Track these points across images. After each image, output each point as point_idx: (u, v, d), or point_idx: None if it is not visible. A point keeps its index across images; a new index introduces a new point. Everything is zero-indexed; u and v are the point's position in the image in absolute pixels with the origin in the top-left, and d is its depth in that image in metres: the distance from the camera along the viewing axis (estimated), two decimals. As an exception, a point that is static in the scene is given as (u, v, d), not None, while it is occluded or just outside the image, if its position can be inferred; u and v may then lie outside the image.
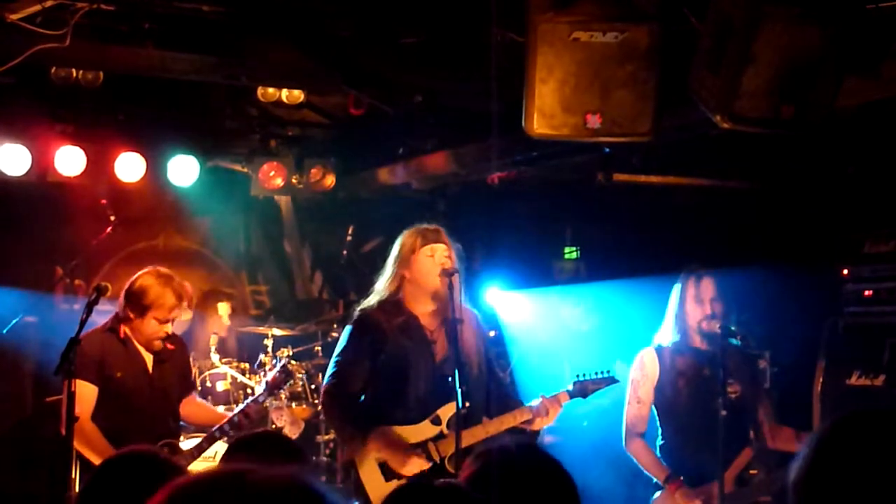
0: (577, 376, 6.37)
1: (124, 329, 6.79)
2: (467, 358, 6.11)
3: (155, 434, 6.63)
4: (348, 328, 6.35)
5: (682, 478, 6.39)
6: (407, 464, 5.99)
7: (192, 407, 7.28)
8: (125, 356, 6.78)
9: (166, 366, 6.95)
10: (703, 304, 6.49)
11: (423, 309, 6.29)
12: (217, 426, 6.93)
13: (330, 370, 6.29)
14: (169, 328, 6.82)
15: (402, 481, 5.95)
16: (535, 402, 6.22)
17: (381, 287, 6.33)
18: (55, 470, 6.68)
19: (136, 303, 6.69)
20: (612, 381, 6.43)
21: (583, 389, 6.34)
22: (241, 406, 7.15)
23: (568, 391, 6.30)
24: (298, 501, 1.59)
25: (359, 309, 6.39)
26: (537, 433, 6.44)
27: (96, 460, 6.40)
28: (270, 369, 9.17)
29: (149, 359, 6.86)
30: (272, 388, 7.33)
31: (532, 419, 6.17)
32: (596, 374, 6.37)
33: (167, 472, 3.27)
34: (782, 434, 6.56)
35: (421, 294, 6.26)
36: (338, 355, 6.30)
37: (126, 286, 6.78)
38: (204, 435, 7.06)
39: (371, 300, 6.35)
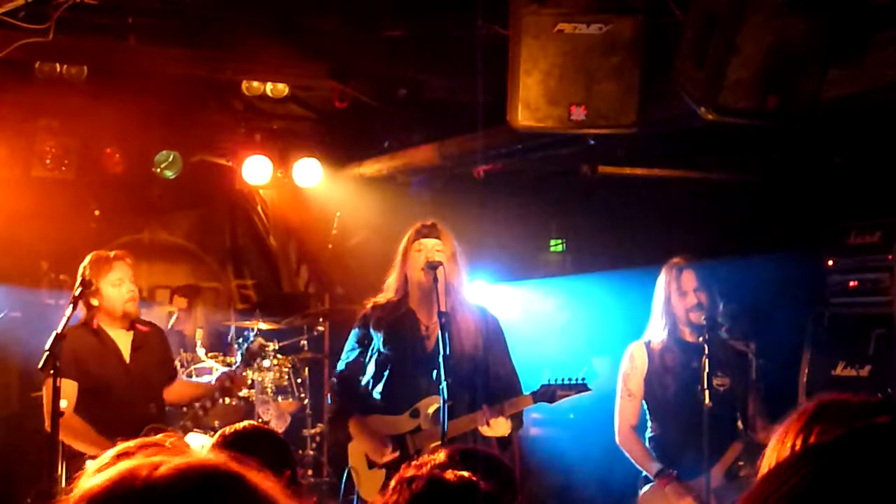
0: (548, 380, 6.27)
1: (96, 320, 6.86)
2: (458, 354, 6.10)
3: (137, 421, 6.68)
4: (357, 323, 6.52)
5: (674, 473, 6.39)
6: (379, 453, 6.12)
7: (178, 388, 7.31)
8: (99, 347, 6.86)
9: (143, 351, 7.02)
10: (687, 295, 6.48)
11: (418, 303, 6.36)
12: (199, 403, 7.01)
13: (340, 361, 6.53)
14: (131, 288, 6.90)
15: (382, 470, 6.10)
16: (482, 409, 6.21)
17: (390, 284, 6.45)
18: (42, 465, 6.69)
19: (85, 283, 6.73)
20: (583, 388, 6.30)
21: (550, 395, 6.23)
22: (217, 374, 7.24)
23: (533, 394, 6.24)
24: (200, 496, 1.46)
25: (370, 302, 6.52)
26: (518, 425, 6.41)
27: (88, 450, 6.46)
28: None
29: (125, 347, 6.95)
30: (248, 360, 7.43)
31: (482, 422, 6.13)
32: (568, 379, 6.27)
33: None
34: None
35: (413, 288, 6.34)
36: (345, 350, 6.51)
37: (81, 282, 6.76)
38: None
39: (381, 297, 6.47)
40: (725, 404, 6.31)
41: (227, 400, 7.61)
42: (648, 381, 6.61)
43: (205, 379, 9.14)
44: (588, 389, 6.33)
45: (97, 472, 2.14)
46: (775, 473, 1.41)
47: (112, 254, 6.96)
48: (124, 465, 1.51)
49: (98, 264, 6.83)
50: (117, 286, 6.84)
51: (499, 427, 6.11)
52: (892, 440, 1.39)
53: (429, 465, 2.71)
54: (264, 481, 1.52)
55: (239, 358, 7.61)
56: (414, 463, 2.77)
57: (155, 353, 7.16)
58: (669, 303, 6.56)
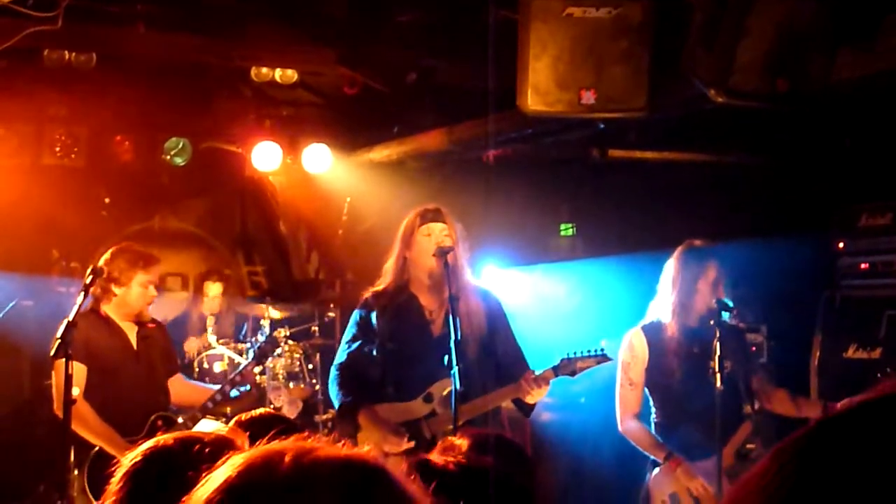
0: (567, 354, 6.22)
1: (104, 309, 6.88)
2: (467, 336, 6.07)
3: (146, 407, 6.76)
4: (356, 311, 6.44)
5: (682, 455, 6.38)
6: (393, 442, 6.02)
7: (179, 387, 7.33)
8: (108, 333, 6.91)
9: (150, 341, 7.08)
10: (719, 286, 6.40)
11: (423, 289, 6.30)
12: (209, 397, 7.03)
13: (339, 351, 6.43)
14: (154, 294, 6.96)
15: (399, 458, 6.01)
16: (526, 377, 6.19)
17: (388, 268, 6.37)
18: (54, 453, 6.74)
19: (113, 277, 6.79)
20: (604, 358, 6.26)
21: (570, 368, 6.17)
22: (231, 377, 7.27)
23: (553, 368, 6.17)
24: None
25: (368, 291, 6.45)
26: (529, 410, 6.39)
27: (92, 439, 6.49)
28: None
29: (132, 335, 6.99)
30: (259, 357, 7.44)
31: (521, 396, 6.15)
32: (587, 351, 6.23)
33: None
34: (777, 396, 6.54)
35: (420, 274, 6.27)
36: (345, 338, 6.42)
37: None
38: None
39: (379, 283, 6.40)
40: (730, 386, 6.29)
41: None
42: (651, 369, 6.53)
43: (217, 367, 9.20)
44: (609, 359, 6.31)
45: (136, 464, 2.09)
46: (759, 473, 1.41)
47: (152, 255, 7.03)
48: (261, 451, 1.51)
49: (134, 260, 6.87)
50: (145, 288, 6.89)
51: (539, 394, 6.12)
52: (865, 427, 1.38)
53: (454, 453, 2.71)
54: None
55: (251, 356, 7.63)
56: (438, 450, 2.77)
57: (159, 345, 7.22)
58: (694, 287, 6.44)
